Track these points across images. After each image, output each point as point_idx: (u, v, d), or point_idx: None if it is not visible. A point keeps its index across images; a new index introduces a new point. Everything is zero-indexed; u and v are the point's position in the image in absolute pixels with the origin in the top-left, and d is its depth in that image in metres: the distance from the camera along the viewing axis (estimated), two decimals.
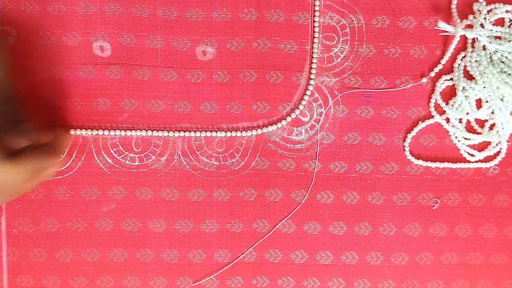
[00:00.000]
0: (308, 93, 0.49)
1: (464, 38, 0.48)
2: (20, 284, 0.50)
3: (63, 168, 0.49)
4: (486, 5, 0.47)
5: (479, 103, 0.48)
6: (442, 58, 0.48)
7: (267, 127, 0.49)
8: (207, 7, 0.48)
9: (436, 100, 0.49)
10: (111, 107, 0.49)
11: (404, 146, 0.50)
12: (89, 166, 0.49)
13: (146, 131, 0.49)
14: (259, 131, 0.49)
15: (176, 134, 0.49)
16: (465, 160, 0.50)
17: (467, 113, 0.48)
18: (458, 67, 0.48)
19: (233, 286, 0.50)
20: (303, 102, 0.49)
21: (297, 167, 0.49)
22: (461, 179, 0.50)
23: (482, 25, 0.47)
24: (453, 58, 0.49)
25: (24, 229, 0.49)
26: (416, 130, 0.49)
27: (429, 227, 0.50)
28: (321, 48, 0.49)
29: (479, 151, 0.49)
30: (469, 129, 0.49)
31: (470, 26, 0.48)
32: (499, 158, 0.49)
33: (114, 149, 0.49)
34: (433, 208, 0.50)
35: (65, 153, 0.48)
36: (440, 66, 0.49)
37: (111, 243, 0.50)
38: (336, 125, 0.49)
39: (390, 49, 0.49)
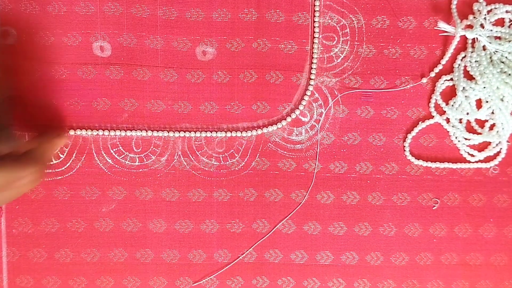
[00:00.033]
0: (308, 93, 0.49)
1: (464, 38, 0.48)
2: (20, 284, 0.50)
3: (63, 168, 0.49)
4: (486, 5, 0.47)
5: (479, 103, 0.48)
6: (442, 58, 0.48)
7: (267, 127, 0.49)
8: (207, 7, 0.48)
9: (436, 100, 0.49)
10: (111, 107, 0.48)
11: (404, 146, 0.50)
12: (89, 166, 0.49)
13: (146, 131, 0.49)
14: (259, 131, 0.49)
15: (176, 134, 0.49)
16: (465, 160, 0.50)
17: (467, 113, 0.48)
18: (458, 67, 0.48)
19: (233, 286, 0.50)
20: (303, 102, 0.49)
21: (297, 167, 0.49)
22: (461, 179, 0.50)
23: (482, 25, 0.47)
24: (453, 58, 0.49)
25: (24, 230, 0.49)
26: (416, 130, 0.49)
27: (429, 227, 0.50)
28: (321, 48, 0.49)
29: (479, 151, 0.49)
30: (469, 129, 0.49)
31: (470, 26, 0.48)
32: (499, 158, 0.49)
33: (114, 149, 0.49)
34: (433, 208, 0.50)
35: (49, 162, 0.47)
36: (440, 66, 0.49)
37: (111, 244, 0.50)
38: (336, 125, 0.49)
39: (390, 49, 0.49)
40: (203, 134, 0.49)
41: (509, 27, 0.47)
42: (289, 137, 0.49)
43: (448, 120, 0.49)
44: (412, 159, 0.49)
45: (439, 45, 0.49)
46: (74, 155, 0.49)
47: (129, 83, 0.48)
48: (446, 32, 0.48)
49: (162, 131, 0.49)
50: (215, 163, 0.49)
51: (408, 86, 0.49)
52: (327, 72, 0.49)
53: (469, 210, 0.50)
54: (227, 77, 0.49)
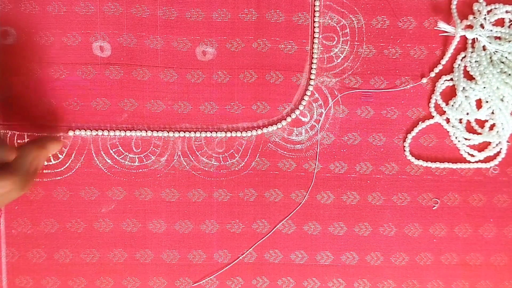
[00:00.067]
0: (308, 93, 0.49)
1: (464, 39, 0.48)
2: (20, 284, 0.49)
3: (62, 168, 0.49)
4: (486, 5, 0.47)
5: (479, 104, 0.49)
6: (442, 59, 0.48)
7: (267, 127, 0.49)
8: (207, 7, 0.48)
9: (436, 100, 0.49)
10: (110, 107, 0.48)
11: (404, 146, 0.50)
12: (88, 166, 0.49)
13: (146, 131, 0.48)
14: (259, 132, 0.49)
15: (176, 134, 0.49)
16: (465, 161, 0.50)
17: (467, 114, 0.48)
18: (458, 67, 0.48)
19: (233, 287, 0.50)
20: (303, 103, 0.49)
21: (297, 167, 0.49)
22: (461, 179, 0.50)
23: (482, 26, 0.47)
24: (453, 59, 0.49)
25: (23, 230, 0.49)
26: (416, 130, 0.49)
27: (429, 227, 0.50)
28: (321, 48, 0.49)
29: (479, 151, 0.49)
30: (469, 129, 0.49)
31: (470, 27, 0.48)
32: (499, 159, 0.50)
33: (113, 150, 0.49)
34: (433, 208, 0.50)
35: (37, 171, 0.45)
36: (440, 67, 0.49)
37: (110, 244, 0.50)
38: (336, 125, 0.49)
39: (390, 49, 0.49)
40: (203, 134, 0.49)
41: (509, 27, 0.48)
42: (289, 137, 0.49)
43: (448, 120, 0.49)
44: (412, 159, 0.49)
45: (439, 45, 0.49)
46: (73, 156, 0.49)
47: (129, 83, 0.48)
48: (446, 32, 0.48)
49: (162, 131, 0.48)
50: (215, 163, 0.49)
51: (408, 86, 0.49)
52: (327, 72, 0.49)
53: (469, 210, 0.50)
54: (227, 77, 0.48)
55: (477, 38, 0.47)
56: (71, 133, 0.48)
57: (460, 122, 0.49)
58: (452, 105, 0.49)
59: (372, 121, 0.49)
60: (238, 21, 0.48)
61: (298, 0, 0.48)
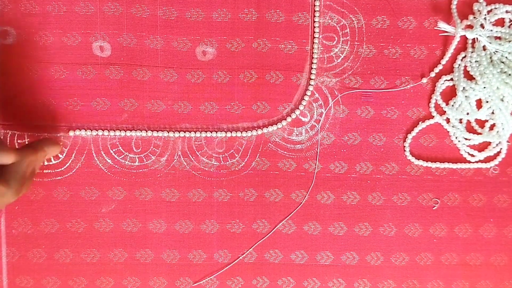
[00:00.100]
0: (308, 93, 0.49)
1: (464, 39, 0.48)
2: (20, 284, 0.49)
3: (63, 168, 0.49)
4: (486, 5, 0.47)
5: (479, 104, 0.49)
6: (442, 59, 0.48)
7: (267, 127, 0.49)
8: (207, 7, 0.48)
9: (436, 100, 0.49)
10: (110, 107, 0.48)
11: (405, 146, 0.50)
12: (88, 166, 0.49)
13: (146, 131, 0.48)
14: (259, 132, 0.49)
15: (176, 134, 0.49)
16: (465, 161, 0.50)
17: (467, 114, 0.48)
18: (458, 67, 0.48)
19: (233, 287, 0.50)
20: (303, 103, 0.49)
21: (297, 167, 0.49)
22: (461, 179, 0.50)
23: (482, 26, 0.47)
24: (453, 59, 0.49)
25: (24, 230, 0.49)
26: (416, 130, 0.49)
27: (430, 227, 0.50)
28: (321, 48, 0.48)
29: (479, 151, 0.49)
30: (469, 129, 0.49)
31: (470, 27, 0.48)
32: (499, 159, 0.49)
33: (113, 150, 0.49)
34: (434, 208, 0.50)
35: (32, 176, 0.44)
36: (440, 67, 0.49)
37: (111, 244, 0.50)
38: (336, 125, 0.49)
39: (390, 49, 0.49)
40: (203, 134, 0.49)
41: (509, 27, 0.47)
42: (289, 137, 0.49)
43: (448, 120, 0.49)
44: (412, 159, 0.49)
45: (439, 45, 0.49)
46: (73, 156, 0.49)
47: (129, 83, 0.48)
48: (446, 32, 0.48)
49: (162, 131, 0.48)
50: (215, 163, 0.49)
51: (408, 86, 0.49)
52: (327, 72, 0.49)
53: (469, 210, 0.50)
54: (227, 77, 0.48)
55: (477, 38, 0.47)
56: (71, 133, 0.48)
57: (460, 122, 0.49)
58: (452, 105, 0.49)
59: (372, 121, 0.49)
60: (238, 21, 0.48)
61: (298, 0, 0.48)
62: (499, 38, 0.48)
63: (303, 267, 0.50)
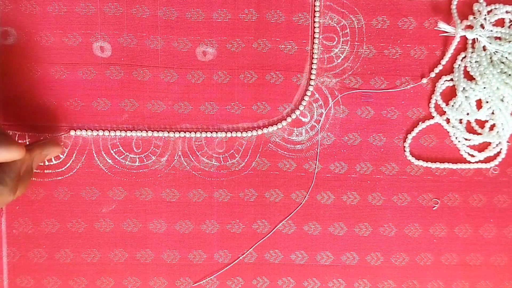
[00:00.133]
0: (309, 93, 0.49)
1: (464, 39, 0.48)
2: (21, 284, 0.50)
3: (63, 169, 0.49)
4: (486, 5, 0.47)
5: (479, 104, 0.49)
6: (442, 59, 0.48)
7: (267, 127, 0.49)
8: (208, 7, 0.48)
9: (436, 100, 0.49)
10: (111, 107, 0.48)
11: (405, 146, 0.50)
12: (89, 166, 0.49)
13: (147, 131, 0.49)
14: (260, 132, 0.49)
15: (177, 134, 0.49)
16: (465, 161, 0.50)
17: (467, 114, 0.48)
18: (458, 67, 0.48)
19: (234, 287, 0.50)
20: (304, 103, 0.49)
21: (297, 167, 0.49)
22: (461, 179, 0.50)
23: (482, 26, 0.47)
24: (453, 59, 0.49)
25: (25, 230, 0.49)
26: (416, 130, 0.49)
27: (429, 227, 0.50)
28: (321, 48, 0.49)
29: (479, 151, 0.49)
30: (469, 129, 0.49)
31: (470, 27, 0.48)
32: (499, 159, 0.50)
33: (114, 150, 0.49)
34: (433, 208, 0.50)
35: (29, 176, 0.44)
36: (440, 67, 0.49)
37: (111, 244, 0.50)
38: (336, 125, 0.49)
39: (390, 49, 0.49)
40: (203, 135, 0.49)
41: (509, 27, 0.47)
42: (289, 137, 0.49)
43: (448, 121, 0.49)
44: (412, 160, 0.49)
45: (439, 45, 0.49)
46: (74, 156, 0.49)
47: (129, 84, 0.48)
48: (446, 32, 0.48)
49: (162, 131, 0.49)
50: (215, 163, 0.49)
51: (408, 87, 0.49)
52: (327, 73, 0.49)
53: (469, 210, 0.50)
54: (227, 78, 0.49)
55: (477, 39, 0.47)
56: (72, 133, 0.48)
57: (460, 123, 0.49)
58: (452, 106, 0.49)
59: (372, 121, 0.49)
60: (238, 21, 0.48)
61: (298, 0, 0.48)
62: (499, 38, 0.48)
63: (303, 267, 0.50)
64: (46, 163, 0.48)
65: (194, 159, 0.49)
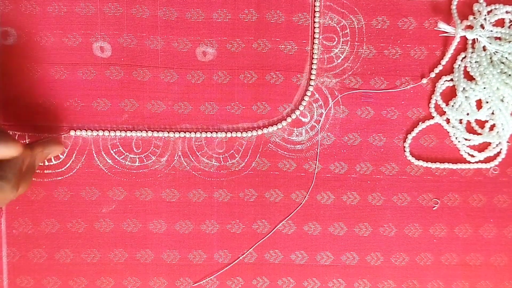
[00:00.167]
0: (309, 93, 0.49)
1: (464, 39, 0.48)
2: (20, 284, 0.50)
3: (63, 169, 0.49)
4: (486, 6, 0.47)
5: (479, 104, 0.49)
6: (442, 59, 0.48)
7: (267, 127, 0.49)
8: (208, 7, 0.48)
9: (436, 100, 0.49)
10: (111, 107, 0.48)
11: (405, 146, 0.50)
12: (89, 167, 0.49)
13: (146, 131, 0.49)
14: (260, 132, 0.49)
15: (177, 134, 0.49)
16: (465, 161, 0.50)
17: (467, 114, 0.48)
18: (458, 68, 0.48)
19: (234, 287, 0.50)
20: (303, 103, 0.49)
21: (297, 167, 0.49)
22: (461, 179, 0.50)
23: (482, 26, 0.47)
24: (453, 59, 0.49)
25: (24, 230, 0.49)
26: (416, 130, 0.49)
27: (429, 227, 0.50)
28: (321, 49, 0.49)
29: (479, 151, 0.49)
30: (469, 129, 0.49)
31: (470, 27, 0.48)
32: (499, 159, 0.50)
33: (114, 150, 0.49)
34: (433, 208, 0.50)
35: (31, 174, 0.44)
36: (440, 67, 0.49)
37: (111, 244, 0.50)
38: (336, 125, 0.49)
39: (390, 49, 0.49)
40: (203, 135, 0.49)
41: (509, 27, 0.48)
42: (289, 137, 0.49)
43: (448, 121, 0.49)
44: (412, 160, 0.49)
45: (439, 45, 0.49)
46: (74, 156, 0.49)
47: (129, 84, 0.48)
48: (446, 32, 0.48)
49: (162, 131, 0.49)
50: (215, 163, 0.49)
51: (408, 87, 0.49)
52: (327, 73, 0.49)
53: (469, 210, 0.50)
54: (227, 78, 0.49)
55: (477, 39, 0.47)
56: (72, 133, 0.48)
57: (460, 123, 0.49)
58: (452, 106, 0.49)
59: (372, 121, 0.49)
60: (238, 21, 0.48)
61: (298, 1, 0.48)
62: (499, 38, 0.48)
63: (303, 267, 0.50)
64: (46, 163, 0.48)
65: (194, 159, 0.49)
